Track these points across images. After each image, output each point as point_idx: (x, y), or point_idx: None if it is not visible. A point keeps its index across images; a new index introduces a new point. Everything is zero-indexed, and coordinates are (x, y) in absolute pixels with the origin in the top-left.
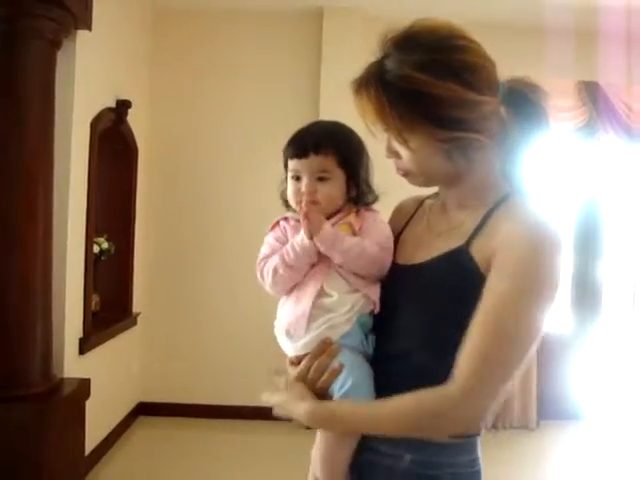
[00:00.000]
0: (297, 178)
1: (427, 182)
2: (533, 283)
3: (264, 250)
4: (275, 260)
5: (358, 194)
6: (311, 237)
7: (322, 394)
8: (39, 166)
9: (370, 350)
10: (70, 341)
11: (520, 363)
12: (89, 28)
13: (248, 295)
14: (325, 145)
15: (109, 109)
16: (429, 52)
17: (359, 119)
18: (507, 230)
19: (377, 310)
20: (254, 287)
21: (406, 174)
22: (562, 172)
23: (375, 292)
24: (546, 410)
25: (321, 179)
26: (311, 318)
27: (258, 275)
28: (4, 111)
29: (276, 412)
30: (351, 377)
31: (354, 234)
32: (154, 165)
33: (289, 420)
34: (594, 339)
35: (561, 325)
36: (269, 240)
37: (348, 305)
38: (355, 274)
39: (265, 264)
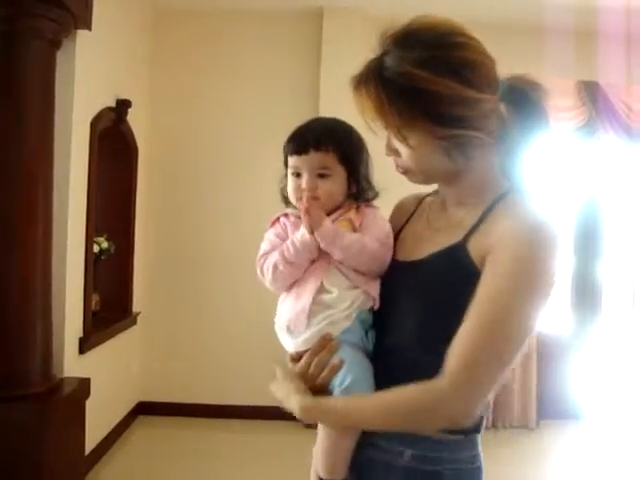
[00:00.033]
0: (297, 175)
1: (426, 180)
2: (528, 280)
3: (264, 246)
4: (275, 256)
5: (358, 190)
6: (312, 232)
7: (322, 390)
8: (39, 166)
9: (370, 346)
10: (70, 341)
11: (511, 359)
12: (89, 28)
13: (248, 295)
14: (326, 142)
15: (109, 109)
16: (428, 49)
17: (359, 118)
18: (504, 227)
19: (377, 306)
20: (254, 287)
21: (405, 172)
22: (562, 172)
23: (375, 288)
24: (546, 410)
25: (322, 176)
26: (311, 314)
27: (258, 271)
28: (4, 111)
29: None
30: (351, 373)
31: (354, 230)
32: (154, 165)
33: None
34: (594, 339)
35: (561, 325)
36: (269, 236)
37: (348, 301)
38: (355, 270)
39: (265, 260)
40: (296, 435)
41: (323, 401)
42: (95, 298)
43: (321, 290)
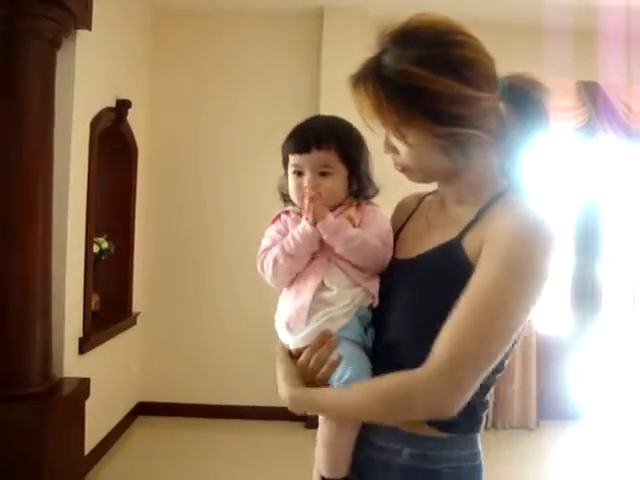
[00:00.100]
0: (299, 173)
1: (425, 178)
2: (520, 277)
3: (265, 242)
4: (275, 251)
5: (359, 188)
6: (314, 223)
7: (322, 385)
8: (39, 166)
9: (369, 343)
10: (70, 341)
11: (497, 354)
12: (89, 28)
13: (248, 295)
14: (327, 140)
15: (109, 109)
16: (427, 47)
17: (358, 117)
18: (500, 224)
19: (376, 304)
20: (254, 287)
21: (404, 170)
22: (562, 172)
23: (374, 286)
24: (546, 410)
25: (323, 174)
26: (311, 311)
27: (259, 267)
28: (4, 111)
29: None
30: (350, 369)
31: (354, 227)
32: (154, 165)
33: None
34: (594, 339)
35: (561, 325)
36: (270, 233)
37: (348, 299)
38: (355, 267)
39: (266, 256)
40: (296, 435)
41: (312, 391)
42: (95, 298)
43: (321, 288)
